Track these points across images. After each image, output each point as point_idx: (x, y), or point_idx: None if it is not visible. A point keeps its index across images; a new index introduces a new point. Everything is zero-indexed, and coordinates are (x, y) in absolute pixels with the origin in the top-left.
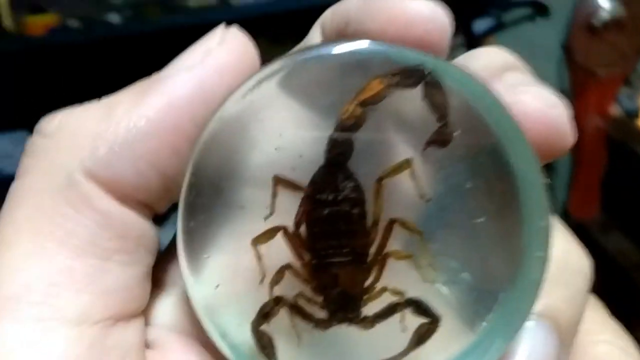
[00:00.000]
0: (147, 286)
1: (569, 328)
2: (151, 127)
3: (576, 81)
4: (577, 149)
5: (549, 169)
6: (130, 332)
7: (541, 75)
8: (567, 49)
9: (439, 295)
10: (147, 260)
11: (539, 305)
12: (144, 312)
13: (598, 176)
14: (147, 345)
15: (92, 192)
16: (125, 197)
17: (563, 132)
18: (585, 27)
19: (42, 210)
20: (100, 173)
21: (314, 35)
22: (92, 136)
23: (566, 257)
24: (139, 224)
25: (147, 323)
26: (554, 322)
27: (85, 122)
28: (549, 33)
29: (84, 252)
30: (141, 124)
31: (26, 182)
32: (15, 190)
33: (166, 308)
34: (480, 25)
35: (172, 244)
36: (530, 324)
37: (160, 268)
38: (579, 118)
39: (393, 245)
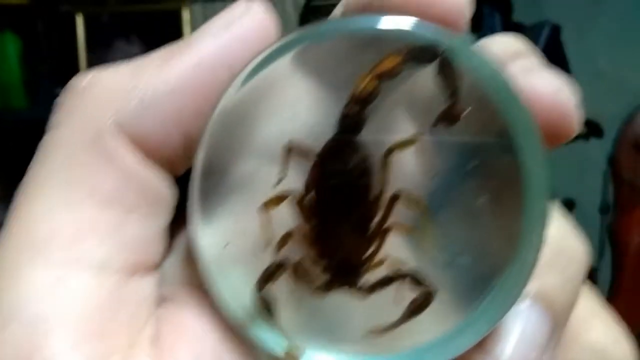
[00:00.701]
0: (164, 243)
1: (562, 312)
2: (178, 87)
3: (621, 196)
4: (619, 263)
5: (590, 283)
6: (146, 284)
7: (586, 187)
8: (614, 164)
9: (437, 271)
10: (165, 218)
11: (534, 288)
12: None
13: None
14: (162, 299)
15: (120, 147)
16: (150, 154)
17: (571, 116)
18: (633, 144)
19: (72, 163)
20: (129, 128)
21: (339, 9)
22: (122, 92)
23: (563, 243)
24: (160, 182)
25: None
26: (548, 304)
27: (116, 79)
28: (596, 146)
29: (109, 205)
30: (169, 83)
31: (58, 134)
32: (48, 142)
33: (177, 267)
34: None
35: (181, 210)
36: (524, 306)
37: (171, 231)
38: (622, 232)
39: (398, 219)
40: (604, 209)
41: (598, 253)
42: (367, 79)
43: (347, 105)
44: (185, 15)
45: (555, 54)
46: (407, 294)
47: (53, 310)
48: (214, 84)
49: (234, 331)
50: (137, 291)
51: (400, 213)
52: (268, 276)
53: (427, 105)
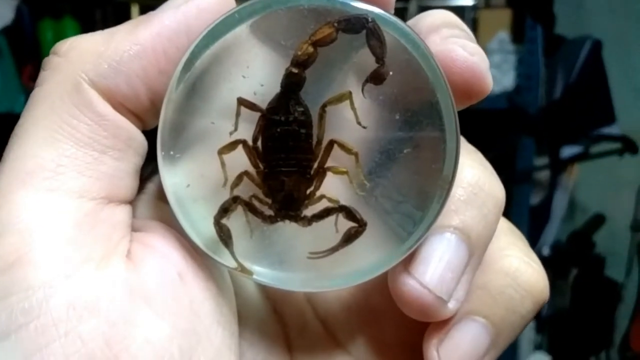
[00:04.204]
0: (135, 181)
1: (477, 241)
2: (142, 50)
3: None
4: None
5: (615, 299)
6: (119, 212)
7: (618, 203)
8: None
9: (369, 207)
10: (135, 159)
11: (455, 221)
12: (133, 207)
13: None
14: (135, 229)
15: (94, 97)
16: (119, 105)
17: (481, 76)
18: None
19: (54, 109)
20: (100, 83)
21: None
22: (95, 55)
23: (480, 183)
24: (130, 129)
25: (135, 215)
26: (465, 235)
27: (91, 44)
28: (631, 163)
29: (85, 144)
30: (135, 47)
31: (43, 88)
32: (35, 94)
33: (148, 206)
34: (568, 151)
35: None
36: (445, 236)
37: (149, 179)
38: None
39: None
40: (635, 227)
41: (626, 270)
42: (306, 45)
43: (289, 67)
44: None
45: (595, 69)
46: (347, 226)
47: (37, 224)
48: (175, 48)
49: (197, 252)
50: (111, 216)
51: (340, 159)
52: (225, 209)
53: (363, 68)
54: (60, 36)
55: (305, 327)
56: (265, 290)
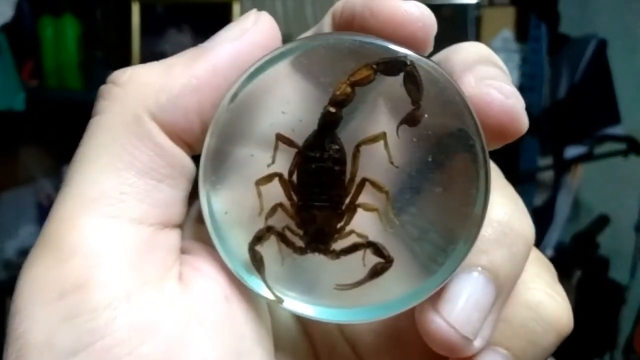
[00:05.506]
0: (185, 206)
1: (505, 281)
2: (199, 85)
3: None
4: None
5: (620, 301)
6: (172, 237)
7: (622, 204)
8: None
9: (398, 242)
10: (186, 186)
11: (483, 261)
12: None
13: None
14: (182, 251)
15: (153, 129)
16: (176, 136)
17: (518, 118)
18: None
19: (116, 139)
20: (159, 116)
21: (327, 20)
22: (155, 88)
23: (510, 222)
24: (183, 158)
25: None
26: (493, 275)
27: (150, 76)
28: (636, 164)
29: (145, 173)
30: (193, 82)
31: (104, 117)
32: (94, 124)
33: (192, 227)
34: (572, 151)
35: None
36: (473, 275)
37: (190, 203)
38: None
39: (368, 200)
40: (639, 228)
41: (630, 272)
42: (344, 85)
43: (326, 106)
44: (236, 8)
45: (600, 69)
46: (374, 260)
47: (101, 249)
48: (227, 82)
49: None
50: (165, 241)
51: (373, 197)
52: (259, 237)
53: (397, 108)
54: (60, 33)
55: (334, 349)
56: None
